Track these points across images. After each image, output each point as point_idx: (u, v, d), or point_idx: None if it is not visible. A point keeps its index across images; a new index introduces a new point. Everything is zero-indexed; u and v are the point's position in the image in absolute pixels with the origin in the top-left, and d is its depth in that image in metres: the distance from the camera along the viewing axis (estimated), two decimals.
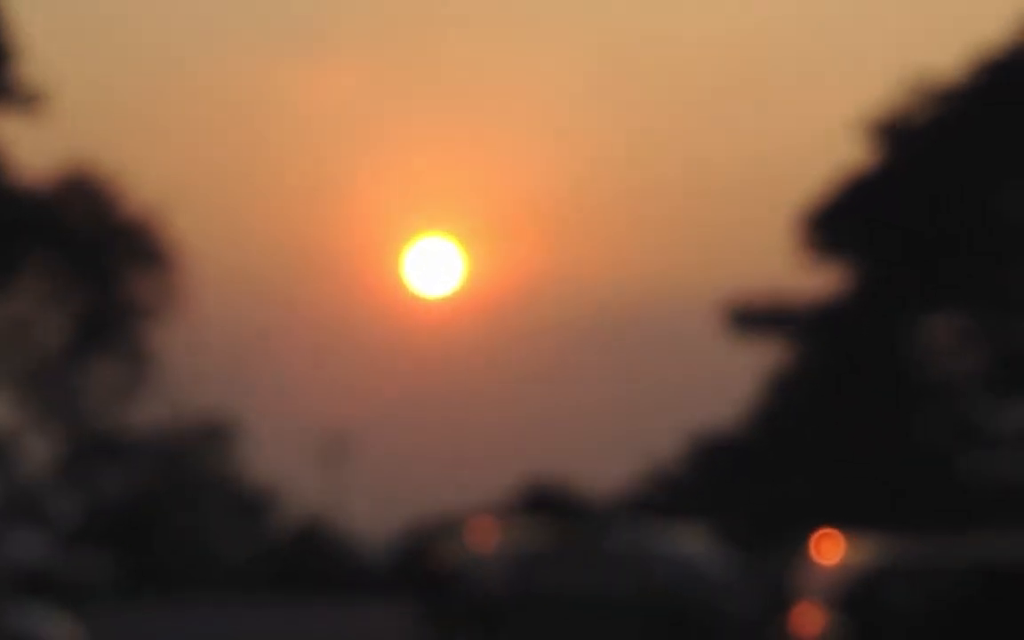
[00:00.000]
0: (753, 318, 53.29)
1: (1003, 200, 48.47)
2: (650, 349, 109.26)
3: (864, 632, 13.68)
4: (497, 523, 45.04)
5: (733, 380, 65.39)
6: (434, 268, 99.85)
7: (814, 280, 54.70)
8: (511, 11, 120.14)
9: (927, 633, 14.08)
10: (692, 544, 33.12)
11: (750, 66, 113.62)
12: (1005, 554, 15.85)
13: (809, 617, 15.03)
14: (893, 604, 14.16)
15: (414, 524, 58.32)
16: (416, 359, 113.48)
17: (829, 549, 15.88)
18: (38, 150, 76.96)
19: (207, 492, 70.68)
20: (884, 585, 14.10)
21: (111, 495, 64.85)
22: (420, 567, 38.22)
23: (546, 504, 58.68)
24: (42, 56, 52.41)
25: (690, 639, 29.23)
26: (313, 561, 59.72)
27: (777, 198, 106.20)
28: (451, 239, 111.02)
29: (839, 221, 51.19)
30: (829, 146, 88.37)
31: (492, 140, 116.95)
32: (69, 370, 58.11)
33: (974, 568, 15.05)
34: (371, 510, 68.89)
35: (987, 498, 45.53)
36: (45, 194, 54.91)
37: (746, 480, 53.05)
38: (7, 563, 40.26)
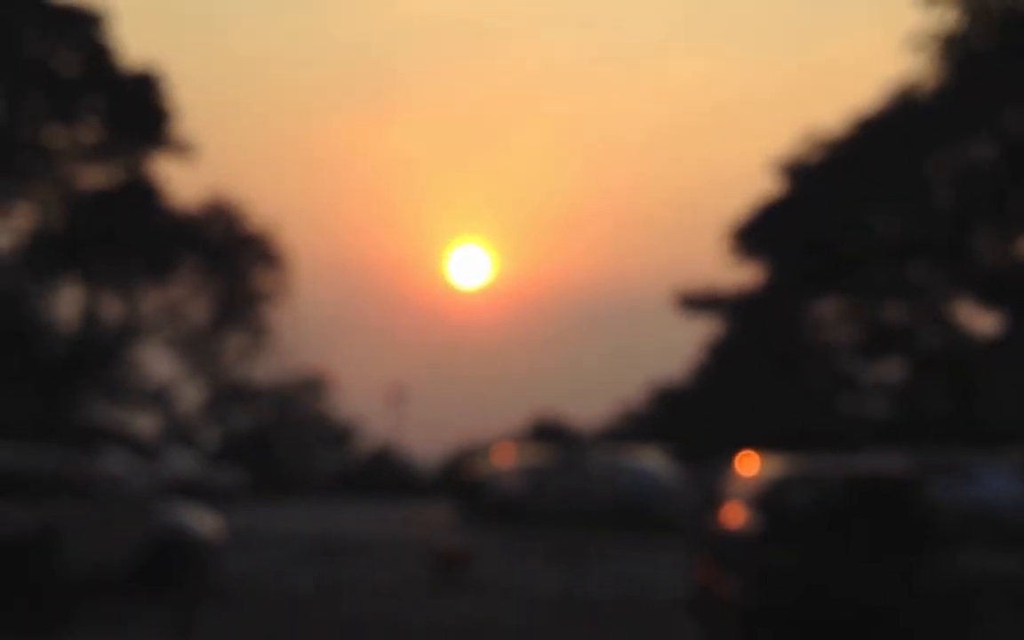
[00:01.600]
0: (695, 301, 53.27)
1: (870, 218, 48.39)
2: (623, 323, 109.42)
3: (772, 523, 13.64)
4: (513, 447, 45.07)
5: (682, 345, 65.38)
6: (469, 267, 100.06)
7: (738, 275, 54.66)
8: (525, 80, 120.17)
9: (815, 522, 14.05)
10: (650, 461, 33.16)
11: (701, 120, 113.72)
12: (868, 467, 15.93)
13: (733, 513, 15.04)
14: (792, 502, 14.13)
15: (454, 448, 58.29)
16: (456, 333, 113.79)
17: (748, 464, 15.88)
18: (189, 183, 77.11)
19: (308, 426, 70.74)
20: (786, 489, 14.06)
21: (241, 427, 64.95)
22: (459, 478, 38.30)
23: (547, 433, 58.64)
24: (190, 113, 52.30)
25: (648, 528, 29.25)
26: (383, 475, 59.72)
27: (714, 216, 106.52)
28: (482, 245, 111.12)
29: (755, 233, 51.16)
30: (750, 179, 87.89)
31: (511, 174, 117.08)
32: (211, 338, 58.29)
33: (847, 477, 15.08)
34: (424, 439, 68.92)
35: (857, 428, 45.47)
36: (194, 214, 55.05)
37: (690, 416, 53.03)
38: (168, 475, 40.35)
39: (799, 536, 13.46)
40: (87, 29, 48.70)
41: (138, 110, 49.13)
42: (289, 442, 66.16)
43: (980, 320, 48.50)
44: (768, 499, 13.85)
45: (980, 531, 24.71)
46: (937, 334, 48.54)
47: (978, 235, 46.99)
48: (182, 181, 68.05)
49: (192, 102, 77.30)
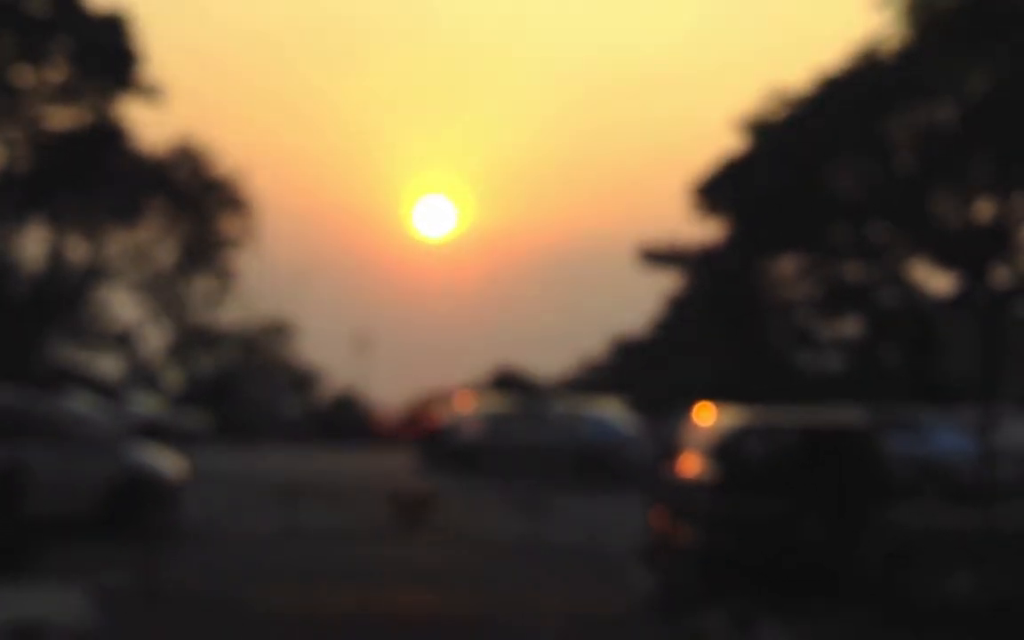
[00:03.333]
0: (657, 256, 53.28)
1: (831, 176, 48.51)
2: (586, 275, 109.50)
3: (728, 471, 13.75)
4: (474, 395, 45.16)
5: (642, 299, 65.59)
6: (435, 218, 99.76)
7: (700, 230, 54.76)
8: (494, 32, 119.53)
9: (771, 473, 14.19)
10: (609, 411, 33.31)
11: (667, 80, 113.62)
12: (823, 420, 16.10)
13: (690, 463, 15.15)
14: (748, 454, 14.25)
15: (417, 394, 58.30)
16: (421, 282, 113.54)
17: (705, 415, 15.98)
18: (157, 127, 76.40)
19: (272, 370, 70.57)
20: (742, 439, 14.18)
21: (205, 371, 64.76)
22: (421, 424, 38.33)
23: (509, 382, 58.74)
24: (158, 58, 51.76)
25: (606, 476, 29.40)
26: (346, 420, 59.71)
27: (676, 172, 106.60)
28: (448, 197, 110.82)
29: (717, 189, 51.18)
30: (716, 136, 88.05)
31: (477, 128, 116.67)
32: (177, 282, 57.99)
33: (802, 428, 15.22)
34: (387, 385, 68.97)
35: (814, 383, 45.82)
36: (161, 158, 54.57)
37: (649, 368, 53.28)
38: (132, 416, 40.23)
39: (755, 486, 13.59)
40: None
41: (106, 51, 48.50)
42: (253, 387, 66.00)
43: (937, 280, 48.88)
44: (724, 450, 13.97)
45: (932, 485, 25.06)
46: (895, 293, 48.91)
47: (937, 197, 47.26)
48: (149, 124, 67.55)
49: (159, 47, 76.37)
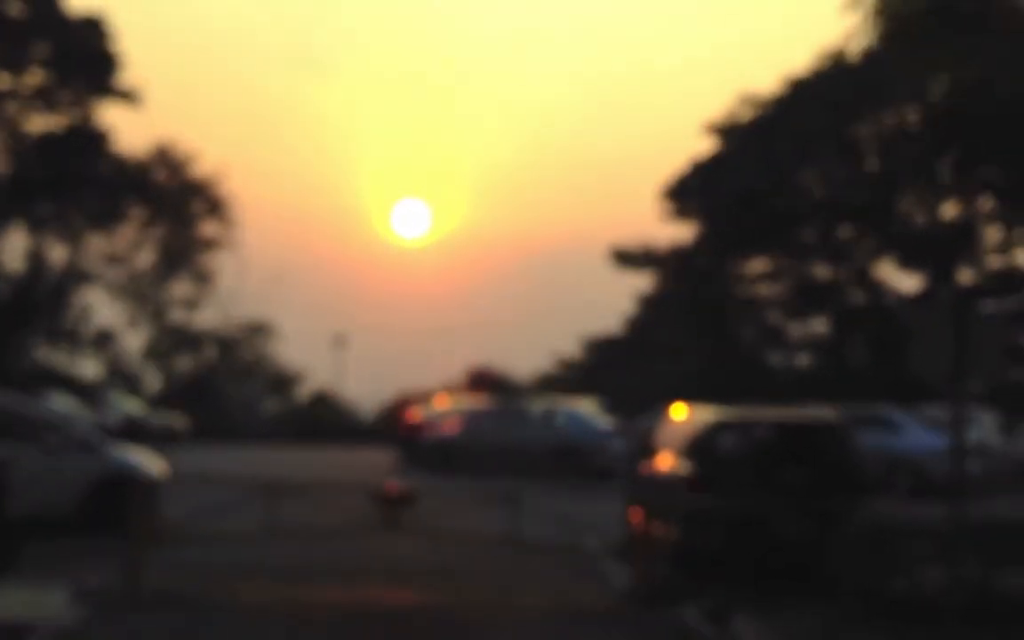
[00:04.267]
0: (630, 257, 53.47)
1: (799, 177, 48.69)
2: (560, 276, 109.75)
3: (703, 468, 13.79)
4: (451, 395, 45.11)
5: (616, 298, 65.71)
6: (411, 221, 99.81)
7: (671, 231, 54.92)
8: (470, 38, 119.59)
9: (744, 467, 14.23)
10: (585, 409, 33.31)
11: (641, 81, 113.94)
12: (795, 416, 16.17)
13: (665, 460, 15.18)
14: (722, 449, 14.29)
15: (395, 394, 58.14)
16: (398, 283, 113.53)
17: (679, 413, 16.02)
18: (135, 131, 76.04)
19: (250, 371, 70.32)
20: (716, 436, 14.22)
21: (184, 372, 64.44)
22: (399, 423, 38.20)
23: (484, 383, 58.65)
24: (135, 61, 51.50)
25: (582, 474, 29.41)
26: (324, 419, 59.51)
27: (648, 175, 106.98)
28: (424, 200, 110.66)
29: (688, 191, 51.35)
30: (687, 139, 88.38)
31: (453, 135, 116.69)
32: (156, 284, 57.70)
33: (775, 425, 15.28)
34: (364, 385, 68.80)
35: (784, 381, 46.01)
36: (140, 161, 54.34)
37: (624, 367, 53.36)
38: (112, 417, 40.03)
39: (729, 482, 13.63)
40: None
41: (85, 56, 48.26)
42: (231, 387, 65.76)
43: (903, 280, 49.13)
44: (699, 447, 14.02)
45: (902, 480, 25.18)
46: (862, 292, 49.15)
47: (904, 198, 47.50)
48: (128, 128, 67.29)
49: (136, 51, 75.93)
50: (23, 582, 12.01)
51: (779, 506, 13.10)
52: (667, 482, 14.04)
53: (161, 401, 55.50)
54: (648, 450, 17.22)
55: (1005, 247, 47.66)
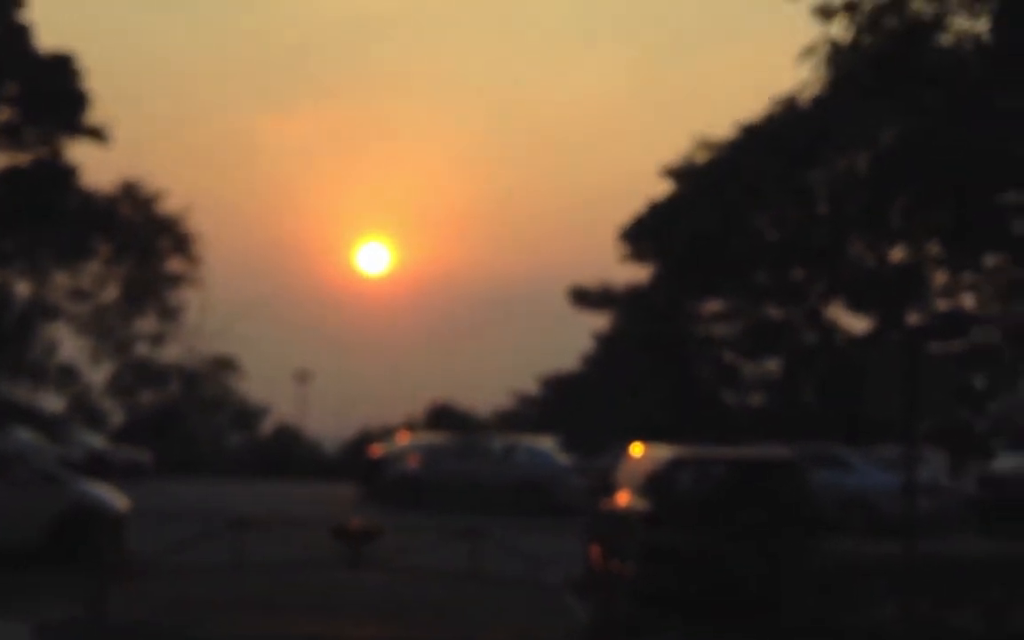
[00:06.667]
0: (588, 297, 53.65)
1: (753, 220, 49.04)
2: (519, 315, 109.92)
3: (659, 504, 13.80)
4: (411, 431, 44.95)
5: (574, 338, 65.84)
6: (373, 257, 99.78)
7: (628, 272, 55.19)
8: (430, 78, 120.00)
9: (702, 506, 14.26)
10: (544, 446, 33.27)
11: (598, 124, 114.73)
12: (751, 454, 16.23)
13: (624, 497, 15.18)
14: (679, 486, 14.32)
15: (357, 431, 57.86)
16: (360, 318, 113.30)
17: (637, 451, 16.02)
18: (102, 167, 75.61)
19: (214, 406, 69.78)
20: (673, 473, 14.24)
21: (148, 406, 63.86)
22: (362, 458, 38.01)
23: (445, 417, 58.52)
24: (102, 101, 51.26)
25: (542, 509, 29.33)
26: (287, 453, 59.08)
27: (606, 218, 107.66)
28: (385, 239, 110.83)
29: (645, 233, 51.64)
30: (644, 182, 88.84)
31: (414, 173, 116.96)
32: (120, 318, 57.18)
33: (731, 462, 15.33)
34: (327, 420, 68.44)
35: (738, 419, 46.21)
36: (107, 197, 53.98)
37: (582, 405, 53.39)
38: (75, 451, 39.56)
39: (686, 519, 13.63)
40: (2, 11, 47.37)
41: (52, 93, 47.94)
42: (196, 421, 65.18)
43: (853, 321, 49.51)
44: (656, 484, 14.02)
45: (855, 517, 25.31)
46: (814, 333, 49.46)
47: (854, 241, 47.92)
48: (94, 165, 66.90)
49: (103, 90, 75.52)
50: None
51: (735, 543, 13.11)
52: (625, 518, 14.02)
53: (125, 435, 54.97)
54: (607, 486, 17.21)
55: (952, 290, 48.21)
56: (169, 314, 57.91)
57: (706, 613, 12.69)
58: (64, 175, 50.51)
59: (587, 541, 13.50)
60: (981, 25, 10.29)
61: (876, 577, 10.93)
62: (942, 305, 48.43)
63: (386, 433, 44.62)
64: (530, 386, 64.39)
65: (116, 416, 64.76)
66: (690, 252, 47.11)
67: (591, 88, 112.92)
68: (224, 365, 68.25)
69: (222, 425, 69.78)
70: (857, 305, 47.97)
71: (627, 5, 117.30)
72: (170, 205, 56.32)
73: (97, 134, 49.97)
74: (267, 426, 71.03)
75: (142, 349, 59.87)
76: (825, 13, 9.29)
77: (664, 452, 14.46)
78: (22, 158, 50.22)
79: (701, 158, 49.42)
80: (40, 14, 66.81)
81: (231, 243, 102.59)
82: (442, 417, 58.69)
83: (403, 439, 38.84)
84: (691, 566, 13.12)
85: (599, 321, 55.80)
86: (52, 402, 57.21)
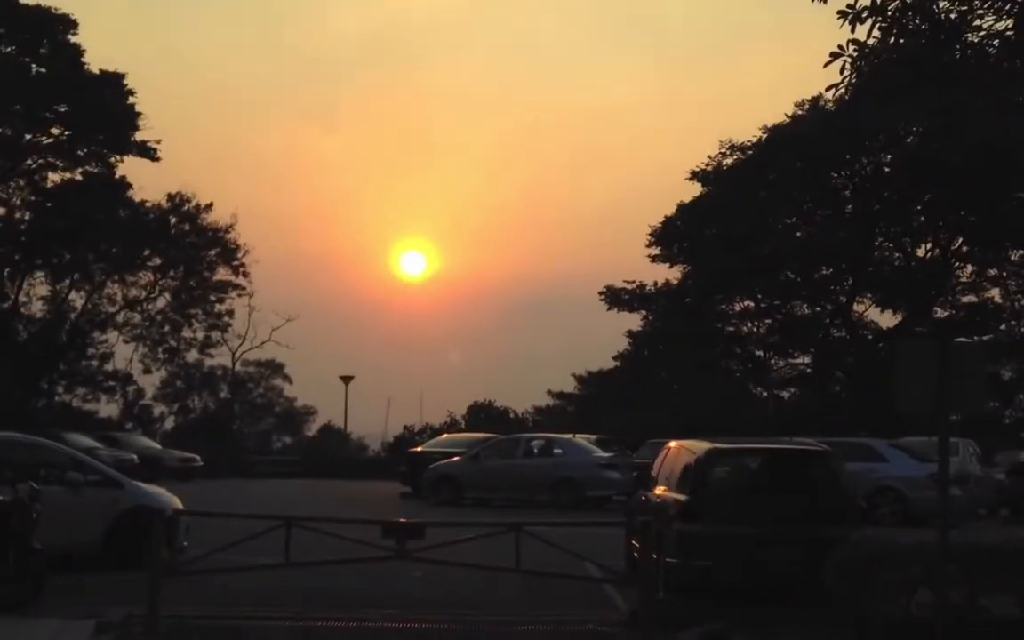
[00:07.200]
0: (622, 297, 53.48)
1: (780, 220, 48.71)
2: (556, 316, 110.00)
3: (695, 496, 13.67)
4: (455, 429, 44.95)
5: (609, 337, 65.70)
6: (414, 264, 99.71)
7: (659, 272, 55.01)
8: (466, 90, 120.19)
9: (735, 494, 14.14)
10: (582, 442, 33.17)
11: (624, 137, 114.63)
12: (778, 445, 16.10)
13: (660, 490, 15.08)
14: (714, 478, 14.18)
15: (402, 430, 57.94)
16: (402, 322, 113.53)
17: (673, 445, 15.91)
18: (151, 181, 76.32)
19: (264, 407, 70.04)
20: (708, 466, 14.10)
21: (200, 409, 64.23)
22: (405, 457, 37.99)
23: (486, 417, 58.54)
24: (152, 114, 51.75)
25: (580, 504, 29.22)
26: (334, 452, 59.27)
27: (638, 220, 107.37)
28: (425, 245, 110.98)
29: (675, 235, 51.46)
30: (672, 187, 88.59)
31: (451, 181, 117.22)
32: (172, 326, 57.51)
33: (764, 453, 15.20)
34: (371, 420, 68.69)
35: (770, 414, 45.89)
36: (157, 210, 54.33)
37: (617, 402, 53.22)
38: (132, 452, 39.84)
39: (723, 510, 13.52)
40: (56, 32, 47.83)
41: (103, 111, 48.34)
42: (245, 422, 65.54)
43: (881, 316, 49.09)
44: (693, 477, 13.91)
45: (887, 507, 25.05)
46: (841, 329, 49.11)
47: (881, 238, 47.51)
48: (145, 178, 67.69)
49: (151, 106, 76.27)
50: (46, 616, 11.86)
51: (772, 532, 12.98)
52: (663, 511, 13.91)
53: (176, 438, 55.33)
54: (645, 481, 17.12)
55: (976, 285, 47.72)
56: (218, 321, 58.22)
57: (743, 603, 12.57)
58: (115, 190, 50.91)
59: (626, 534, 13.41)
60: (1007, 24, 10.11)
61: (910, 565, 10.77)
62: (968, 299, 47.86)
63: (428, 432, 44.66)
64: (567, 384, 64.33)
65: (167, 420, 65.15)
66: (719, 252, 46.90)
67: (620, 95, 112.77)
68: (271, 369, 68.59)
69: (269, 427, 70.10)
70: (884, 300, 47.56)
71: (653, 13, 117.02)
72: (218, 217, 56.66)
73: (147, 150, 50.36)
74: (313, 427, 71.29)
75: (192, 355, 60.25)
76: (851, 16, 9.15)
77: (699, 446, 14.34)
78: (75, 175, 50.66)
79: (730, 163, 49.15)
80: (91, 36, 67.60)
81: (277, 252, 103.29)
82: (482, 416, 58.72)
83: (445, 438, 38.86)
84: (729, 556, 13.00)
85: (632, 320, 55.65)
86: (107, 408, 57.69)
